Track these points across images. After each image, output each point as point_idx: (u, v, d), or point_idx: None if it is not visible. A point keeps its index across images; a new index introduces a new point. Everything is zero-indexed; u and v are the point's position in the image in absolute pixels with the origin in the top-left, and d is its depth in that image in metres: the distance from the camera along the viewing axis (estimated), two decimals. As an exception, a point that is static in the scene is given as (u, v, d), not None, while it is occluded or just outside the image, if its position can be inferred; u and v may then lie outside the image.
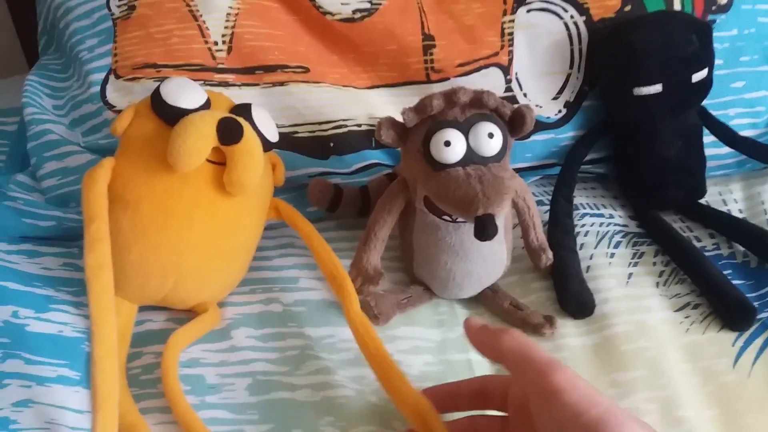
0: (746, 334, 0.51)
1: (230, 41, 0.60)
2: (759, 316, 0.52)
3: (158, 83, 0.50)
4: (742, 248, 0.59)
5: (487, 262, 0.52)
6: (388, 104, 0.63)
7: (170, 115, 0.48)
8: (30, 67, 0.68)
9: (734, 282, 0.54)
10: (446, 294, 0.54)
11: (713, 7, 0.66)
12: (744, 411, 0.46)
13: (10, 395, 0.44)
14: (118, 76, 0.60)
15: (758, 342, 0.50)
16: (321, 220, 0.59)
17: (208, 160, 0.48)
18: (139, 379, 0.47)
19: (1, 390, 0.44)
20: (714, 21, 0.66)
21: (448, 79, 0.63)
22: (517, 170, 0.63)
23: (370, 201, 0.58)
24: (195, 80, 0.56)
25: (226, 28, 0.60)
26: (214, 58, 0.60)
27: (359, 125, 0.61)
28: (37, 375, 0.45)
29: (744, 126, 0.66)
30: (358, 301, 0.49)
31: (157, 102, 0.49)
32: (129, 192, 0.47)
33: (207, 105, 0.50)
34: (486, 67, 0.63)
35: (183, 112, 0.48)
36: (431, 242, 0.52)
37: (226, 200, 0.49)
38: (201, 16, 0.60)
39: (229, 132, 0.47)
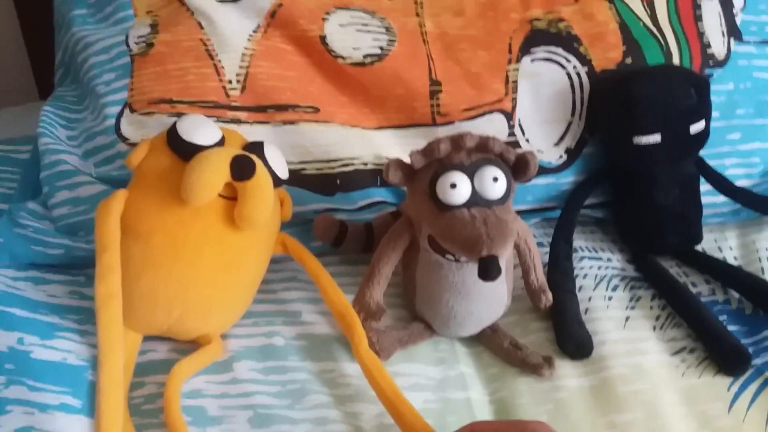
0: (741, 380, 0.52)
1: (244, 80, 0.62)
2: (753, 362, 0.53)
3: (173, 118, 0.52)
4: (737, 295, 0.60)
5: (488, 301, 0.53)
6: (395, 145, 0.64)
7: (185, 151, 0.49)
8: (41, 96, 0.69)
9: (729, 328, 0.56)
10: (447, 332, 0.55)
11: (710, 62, 0.68)
12: (739, 456, 0.47)
13: (13, 421, 0.44)
14: (133, 110, 0.62)
15: (753, 387, 0.51)
16: (325, 255, 0.60)
17: (220, 195, 0.49)
18: (141, 408, 0.47)
19: (3, 416, 0.44)
20: (711, 75, 0.68)
21: (453, 122, 0.64)
22: (518, 212, 0.64)
23: (374, 238, 0.60)
24: (208, 116, 0.58)
25: (240, 68, 0.62)
26: (227, 96, 0.62)
27: (365, 164, 0.63)
28: (39, 402, 0.45)
29: (739, 176, 0.68)
30: (366, 339, 0.50)
31: (173, 137, 0.51)
32: (141, 224, 0.48)
33: (221, 142, 0.51)
34: (490, 112, 0.65)
35: (198, 149, 0.49)
36: (434, 280, 0.53)
37: (235, 234, 0.50)
38: (217, 55, 0.62)
39: (242, 168, 0.48)
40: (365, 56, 0.63)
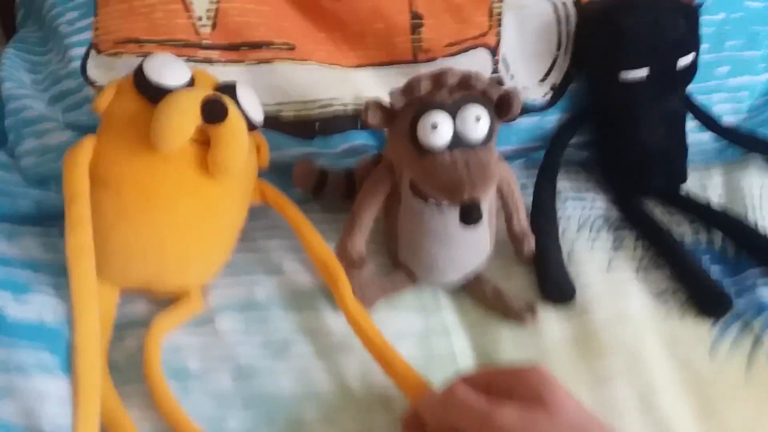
0: (722, 322, 0.52)
1: (215, 17, 0.59)
2: (735, 305, 0.53)
3: (141, 59, 0.49)
4: (720, 236, 0.60)
5: (470, 248, 0.53)
6: (375, 84, 0.62)
7: (154, 93, 0.47)
8: (7, 41, 0.66)
9: (712, 269, 0.56)
10: (430, 279, 0.54)
11: (701, -10, 0.66)
12: (719, 398, 0.47)
13: None
14: (99, 51, 0.59)
15: (733, 330, 0.52)
16: (305, 203, 0.58)
17: (192, 140, 0.47)
18: (120, 364, 0.47)
19: None
20: (701, 4, 0.66)
21: (436, 59, 0.62)
22: (502, 154, 0.63)
23: (356, 184, 0.58)
24: (178, 56, 0.55)
25: (211, 3, 0.59)
26: (198, 33, 0.59)
27: (345, 105, 0.61)
28: (15, 360, 0.44)
29: (726, 112, 0.67)
30: (350, 288, 0.50)
31: (140, 79, 0.48)
32: (111, 172, 0.47)
33: (191, 83, 0.49)
34: (474, 47, 0.63)
35: (167, 90, 0.47)
36: (416, 227, 0.52)
37: (209, 182, 0.48)
38: (185, -11, 0.59)
39: (213, 111, 0.46)
40: (342, -11, 0.60)
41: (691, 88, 0.64)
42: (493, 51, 0.63)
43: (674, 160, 0.63)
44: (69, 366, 0.44)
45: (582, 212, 0.62)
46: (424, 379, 0.45)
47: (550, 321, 0.52)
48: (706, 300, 0.53)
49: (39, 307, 0.48)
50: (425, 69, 0.60)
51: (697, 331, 0.52)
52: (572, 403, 0.37)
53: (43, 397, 0.43)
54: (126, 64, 0.58)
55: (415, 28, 0.62)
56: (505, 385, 0.39)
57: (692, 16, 0.60)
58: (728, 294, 0.53)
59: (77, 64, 0.59)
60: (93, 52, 0.59)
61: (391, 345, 0.46)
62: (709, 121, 0.65)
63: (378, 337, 0.47)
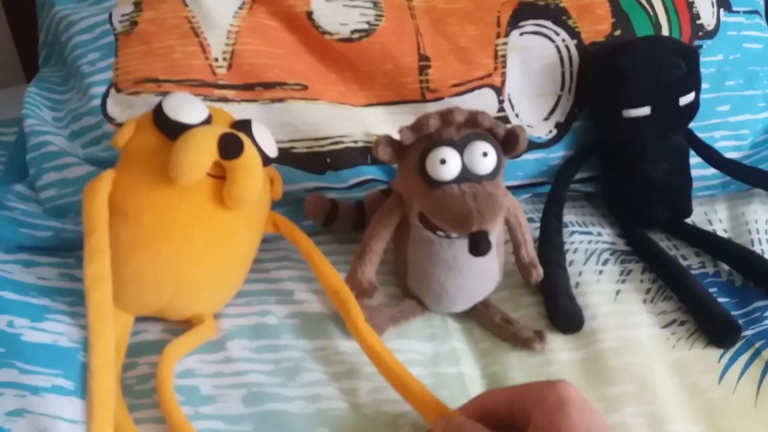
0: (731, 351, 0.52)
1: (231, 58, 0.62)
2: (743, 334, 0.53)
3: (159, 97, 0.51)
4: (727, 267, 0.61)
5: (479, 277, 0.53)
6: (384, 122, 0.64)
7: (172, 130, 0.49)
8: (27, 79, 0.69)
9: (719, 300, 0.56)
10: (439, 308, 0.55)
11: (700, 33, 0.68)
12: (728, 427, 0.47)
13: (4, 404, 0.44)
14: (119, 90, 0.61)
15: (743, 359, 0.52)
16: (316, 234, 0.60)
17: (208, 174, 0.48)
18: (134, 389, 0.47)
19: None
20: (701, 46, 0.68)
21: (443, 98, 0.64)
22: (509, 188, 0.64)
23: (366, 216, 0.60)
24: (195, 95, 0.57)
25: (227, 45, 0.61)
26: (214, 74, 0.61)
27: (356, 142, 0.62)
28: (31, 384, 0.45)
29: (729, 148, 0.68)
30: (362, 314, 0.50)
31: (159, 116, 0.50)
32: (129, 204, 0.48)
33: (208, 120, 0.51)
34: (479, 87, 0.65)
35: (185, 127, 0.49)
36: (425, 257, 0.53)
37: (224, 213, 0.49)
38: (202, 33, 0.62)
39: (229, 147, 0.48)
40: (352, 32, 0.63)
41: (693, 125, 0.65)
42: (499, 91, 0.65)
43: (679, 194, 0.65)
44: (83, 390, 0.45)
45: (588, 245, 0.62)
46: (440, 401, 0.45)
47: (559, 349, 0.52)
48: (715, 329, 0.53)
49: (55, 333, 0.49)
50: (433, 108, 0.63)
51: (706, 360, 0.52)
52: (584, 426, 0.37)
53: (57, 419, 0.44)
54: (145, 103, 0.60)
55: (423, 69, 0.64)
56: (528, 403, 0.39)
57: (691, 57, 0.62)
58: (737, 322, 0.53)
59: (98, 102, 0.61)
60: (113, 91, 0.61)
61: (408, 369, 0.47)
62: (711, 157, 0.66)
63: (393, 362, 0.47)
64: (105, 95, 0.61)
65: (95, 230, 0.47)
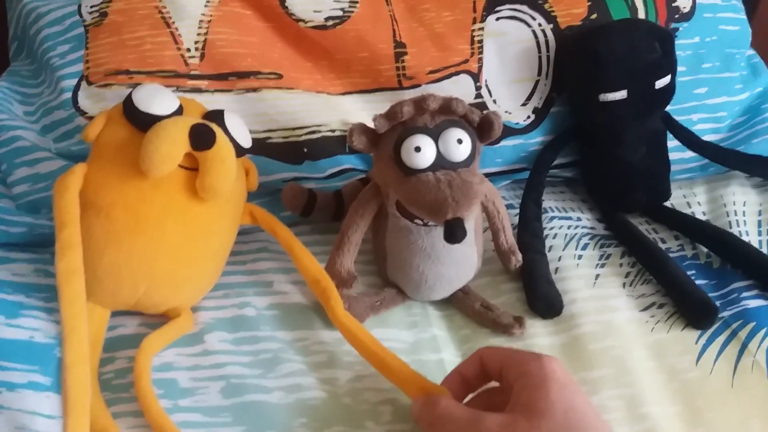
0: (709, 333, 0.53)
1: (203, 48, 0.61)
2: (721, 315, 0.54)
3: (130, 90, 0.50)
4: (705, 249, 0.61)
5: (458, 264, 0.53)
6: (361, 110, 0.63)
7: (142, 122, 0.48)
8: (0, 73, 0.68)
9: (697, 282, 0.56)
10: (419, 296, 0.55)
11: (676, 15, 0.68)
12: (706, 407, 0.48)
13: None
14: (90, 83, 0.60)
15: (720, 340, 0.52)
16: (295, 225, 0.59)
17: (181, 166, 0.48)
18: (112, 383, 0.47)
19: None
20: (677, 29, 0.68)
21: (420, 85, 0.63)
22: (488, 175, 0.64)
23: (344, 205, 0.59)
24: (167, 86, 0.56)
25: (198, 35, 0.61)
26: (186, 64, 0.60)
27: (333, 131, 0.62)
28: (7, 381, 0.45)
29: (707, 131, 0.69)
30: (342, 303, 0.50)
31: (129, 109, 0.49)
32: (101, 198, 0.47)
33: (179, 111, 0.50)
34: (456, 74, 0.64)
35: (155, 119, 0.48)
36: (403, 246, 0.52)
37: (198, 206, 0.49)
38: (173, 23, 0.61)
39: (201, 138, 0.47)
40: (327, 19, 0.62)
41: (671, 108, 0.65)
42: (476, 77, 0.65)
43: (657, 177, 0.65)
44: (59, 386, 0.44)
45: (568, 230, 0.62)
46: (425, 378, 0.45)
47: (539, 334, 0.53)
48: (692, 311, 0.54)
49: (30, 329, 0.49)
50: (409, 95, 0.62)
51: (683, 342, 0.52)
52: (564, 406, 0.37)
53: (34, 415, 0.44)
54: (116, 95, 0.59)
55: (399, 56, 0.63)
56: (513, 372, 0.40)
57: (667, 39, 0.62)
58: (714, 304, 0.53)
59: (69, 95, 0.60)
60: (84, 84, 0.60)
61: (384, 346, 0.47)
62: (689, 139, 0.66)
63: (374, 344, 0.47)
64: (76, 88, 0.60)
65: (66, 225, 0.46)
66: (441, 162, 0.48)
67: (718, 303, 0.54)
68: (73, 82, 0.60)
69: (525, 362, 0.40)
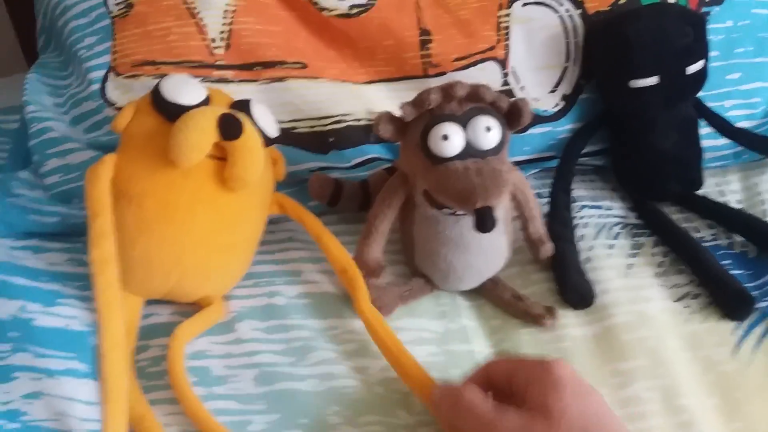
0: (745, 324, 0.52)
1: (228, 38, 0.61)
2: (757, 306, 0.53)
3: (158, 80, 0.51)
4: (740, 238, 0.60)
5: (487, 254, 0.53)
6: (386, 99, 0.63)
7: (171, 112, 0.48)
8: (29, 66, 0.68)
9: (733, 272, 0.55)
10: (447, 286, 0.54)
11: (707, -1, 0.67)
12: (744, 399, 0.47)
13: (20, 387, 0.45)
14: (117, 74, 0.61)
15: (757, 331, 0.51)
16: (322, 214, 0.59)
17: (210, 156, 0.48)
18: (147, 371, 0.48)
19: (11, 382, 0.45)
20: (708, 13, 0.66)
21: (446, 73, 0.63)
22: (516, 163, 0.63)
23: (371, 195, 0.59)
24: (194, 77, 0.56)
25: (223, 24, 0.60)
26: (212, 54, 0.61)
27: (358, 120, 0.61)
28: (46, 368, 0.46)
29: (740, 117, 0.67)
30: (368, 295, 0.50)
31: (157, 99, 0.49)
32: (132, 187, 0.48)
33: (207, 101, 0.50)
34: (483, 61, 0.63)
35: (183, 109, 0.48)
36: (431, 235, 0.52)
37: (227, 195, 0.49)
38: (198, 13, 0.61)
39: (229, 128, 0.47)
40: (351, 7, 0.61)
41: (703, 94, 0.64)
42: (503, 64, 0.64)
43: (689, 165, 0.63)
44: (96, 372, 0.45)
45: (599, 219, 0.61)
46: (437, 382, 0.45)
47: (571, 325, 0.52)
48: (728, 301, 0.52)
49: (67, 317, 0.50)
50: (435, 83, 0.61)
51: (719, 333, 0.51)
52: (578, 409, 0.37)
53: (73, 401, 0.44)
54: (143, 86, 0.59)
55: (424, 44, 0.63)
56: (523, 380, 0.39)
57: (699, 24, 0.61)
58: (750, 294, 0.52)
59: (97, 86, 0.61)
60: (111, 75, 0.61)
61: (407, 350, 0.47)
62: (722, 126, 0.65)
63: (394, 343, 0.47)
64: (104, 79, 0.61)
65: (99, 214, 0.46)
66: (469, 150, 0.47)
67: (754, 293, 0.53)
68: (101, 73, 0.61)
69: (534, 369, 0.39)
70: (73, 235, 0.57)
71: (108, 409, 0.41)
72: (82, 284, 0.52)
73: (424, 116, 0.48)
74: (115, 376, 0.42)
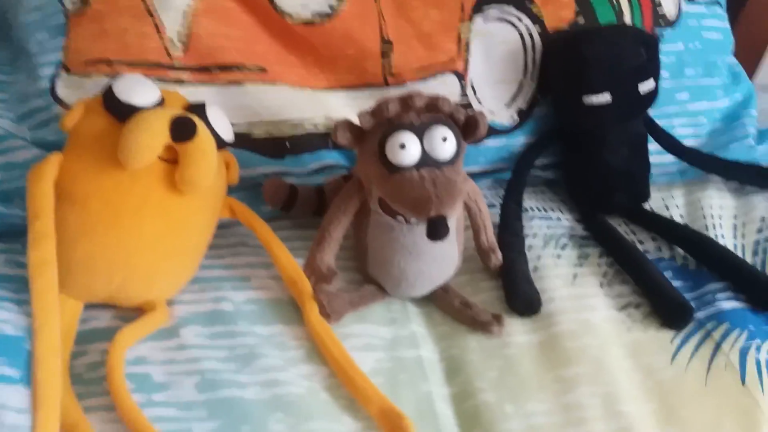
0: (684, 333, 0.53)
1: (187, 39, 0.60)
2: (696, 316, 0.54)
3: (111, 79, 0.50)
4: (682, 251, 0.62)
5: (438, 261, 0.53)
6: (346, 106, 0.63)
7: (122, 112, 0.47)
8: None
9: (674, 283, 0.57)
10: (399, 293, 0.55)
11: (661, 22, 0.69)
12: (679, 404, 0.48)
13: None
14: (69, 72, 0.59)
15: (694, 340, 0.53)
16: (276, 219, 0.59)
17: (160, 158, 0.47)
18: (83, 377, 0.46)
19: None
20: (662, 35, 0.68)
21: (405, 83, 0.63)
22: (470, 174, 0.63)
23: (326, 201, 0.59)
24: (149, 77, 0.55)
25: (182, 26, 0.60)
26: (169, 55, 0.60)
27: (316, 126, 0.61)
28: None
29: (687, 135, 0.69)
30: (317, 306, 0.50)
31: (109, 98, 0.49)
32: (77, 188, 0.47)
33: (161, 103, 0.49)
34: (442, 73, 0.64)
35: (135, 110, 0.47)
36: (385, 242, 0.52)
37: (177, 198, 0.48)
38: (157, 13, 0.60)
39: (182, 129, 0.46)
40: (314, 14, 0.61)
41: (653, 112, 0.66)
42: (461, 76, 0.65)
43: (637, 179, 0.65)
44: (30, 378, 0.43)
45: (548, 230, 0.63)
46: (386, 398, 0.45)
47: (517, 332, 0.53)
48: (668, 311, 0.54)
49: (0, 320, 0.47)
50: (395, 92, 0.61)
51: (659, 341, 0.53)
52: None
53: (3, 408, 0.42)
54: (96, 84, 0.58)
55: (385, 54, 0.63)
56: None
57: (652, 45, 0.63)
58: (690, 304, 0.54)
59: (46, 83, 0.59)
60: (63, 73, 0.59)
61: (354, 362, 0.47)
62: (670, 144, 0.67)
63: (341, 354, 0.47)
64: (54, 77, 0.59)
65: (40, 215, 0.45)
66: (425, 160, 0.48)
67: (693, 304, 0.55)
68: (51, 70, 0.59)
69: None
70: (10, 235, 0.55)
71: (39, 417, 0.40)
72: (18, 287, 0.50)
73: (382, 125, 0.49)
74: (48, 384, 0.41)
